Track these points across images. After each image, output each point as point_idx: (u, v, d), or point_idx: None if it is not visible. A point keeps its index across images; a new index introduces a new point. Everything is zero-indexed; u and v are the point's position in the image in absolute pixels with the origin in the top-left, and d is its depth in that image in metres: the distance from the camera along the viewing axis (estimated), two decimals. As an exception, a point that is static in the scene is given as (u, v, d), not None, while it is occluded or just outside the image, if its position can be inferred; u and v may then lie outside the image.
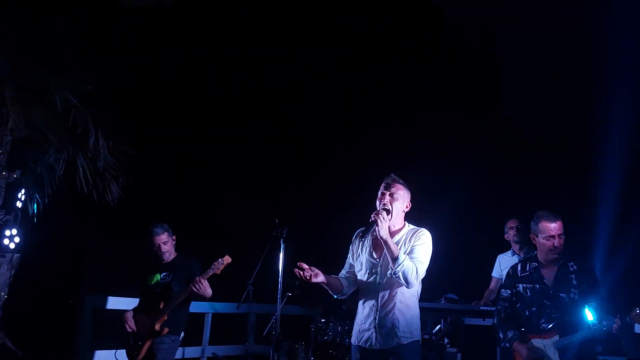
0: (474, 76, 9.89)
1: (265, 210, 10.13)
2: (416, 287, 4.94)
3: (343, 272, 5.21)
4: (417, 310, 4.97)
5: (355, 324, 5.05)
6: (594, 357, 5.41)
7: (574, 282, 5.20)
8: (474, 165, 10.61)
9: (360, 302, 5.03)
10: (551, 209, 5.47)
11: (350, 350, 8.23)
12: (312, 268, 4.86)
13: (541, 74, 9.43)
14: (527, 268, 5.46)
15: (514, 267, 5.61)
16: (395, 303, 4.83)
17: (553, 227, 5.30)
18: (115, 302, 8.18)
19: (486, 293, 8.09)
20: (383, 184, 5.01)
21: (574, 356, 5.09)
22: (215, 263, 6.58)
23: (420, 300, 7.64)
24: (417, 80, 10.38)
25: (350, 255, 5.20)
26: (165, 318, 6.57)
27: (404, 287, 4.81)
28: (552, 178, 10.19)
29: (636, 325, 7.42)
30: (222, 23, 10.05)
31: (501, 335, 5.49)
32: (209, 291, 6.61)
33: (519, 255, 7.90)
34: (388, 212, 4.83)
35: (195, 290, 6.51)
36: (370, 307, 4.91)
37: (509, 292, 5.53)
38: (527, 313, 5.38)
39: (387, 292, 4.85)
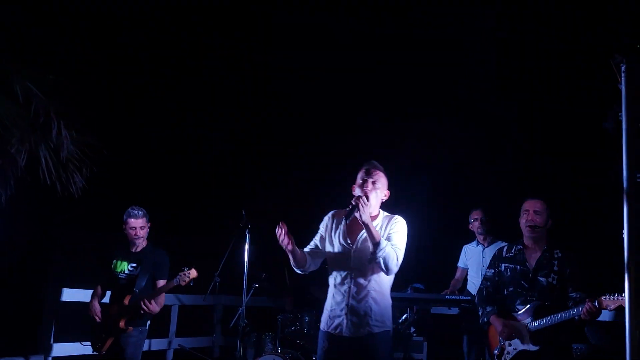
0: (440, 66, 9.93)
1: (232, 202, 10.10)
2: (390, 276, 4.84)
3: (306, 249, 5.04)
4: (390, 300, 4.88)
5: (325, 309, 4.92)
6: (568, 346, 5.41)
7: (555, 268, 5.25)
8: (438, 155, 10.66)
9: (332, 287, 4.90)
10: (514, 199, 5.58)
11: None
12: (290, 235, 4.71)
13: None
14: (513, 250, 5.51)
15: (500, 249, 5.66)
16: (369, 291, 4.73)
17: (528, 203, 5.40)
18: (79, 294, 8.10)
19: (452, 283, 8.16)
20: (363, 170, 4.89)
21: (547, 337, 5.13)
22: (181, 274, 6.45)
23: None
24: (381, 69, 10.39)
25: (318, 235, 5.06)
26: (131, 317, 6.49)
27: (378, 274, 4.74)
28: (517, 168, 10.29)
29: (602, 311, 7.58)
30: (186, 13, 9.97)
31: (480, 312, 5.55)
32: (156, 310, 6.52)
33: (483, 245, 7.99)
34: (368, 199, 4.71)
35: (147, 311, 6.43)
36: (343, 294, 4.78)
37: (493, 271, 5.57)
38: (505, 293, 5.44)
39: (361, 279, 4.74)
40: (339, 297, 4.82)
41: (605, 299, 4.81)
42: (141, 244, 6.80)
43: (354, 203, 4.65)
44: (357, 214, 4.63)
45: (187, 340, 9.34)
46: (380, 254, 4.57)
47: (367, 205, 4.63)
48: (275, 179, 11.70)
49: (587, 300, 4.91)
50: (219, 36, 10.30)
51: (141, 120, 11.24)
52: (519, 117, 10.02)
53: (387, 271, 4.66)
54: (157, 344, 8.98)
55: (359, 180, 4.88)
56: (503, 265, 5.50)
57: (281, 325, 8.13)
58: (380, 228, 4.82)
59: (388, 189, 4.97)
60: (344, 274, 4.84)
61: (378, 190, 4.84)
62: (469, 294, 7.87)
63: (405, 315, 8.14)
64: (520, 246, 5.48)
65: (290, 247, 4.76)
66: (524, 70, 9.45)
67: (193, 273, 6.46)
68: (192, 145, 11.73)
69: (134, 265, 6.70)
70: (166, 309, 9.24)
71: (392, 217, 4.92)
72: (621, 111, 4.59)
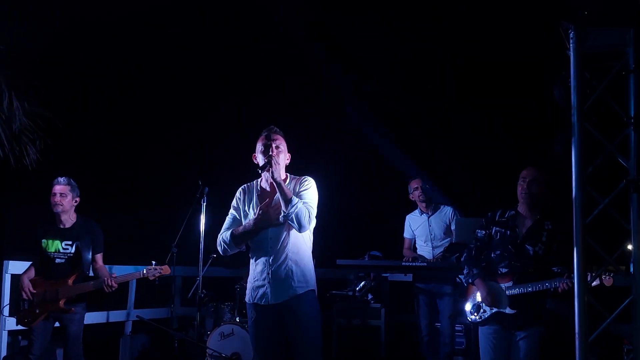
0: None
1: (188, 172, 10.06)
2: (308, 236, 4.97)
3: (226, 229, 5.09)
4: (311, 260, 5.00)
5: (248, 282, 5.02)
6: (542, 313, 5.49)
7: (544, 239, 5.35)
8: (397, 118, 10.73)
9: (252, 260, 4.99)
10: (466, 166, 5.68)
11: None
12: None
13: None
14: (506, 215, 5.58)
15: (493, 212, 5.70)
16: (287, 254, 4.83)
17: (525, 172, 5.49)
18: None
19: (406, 254, 8.26)
20: (264, 136, 4.97)
21: (524, 303, 5.25)
22: (150, 268, 6.52)
23: (344, 258, 7.85)
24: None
25: (234, 211, 5.12)
26: (73, 297, 6.40)
27: (294, 237, 4.85)
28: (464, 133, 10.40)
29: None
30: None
31: (466, 271, 5.62)
32: (114, 289, 6.48)
33: (428, 214, 8.09)
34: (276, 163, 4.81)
35: (106, 291, 6.42)
36: (263, 263, 4.87)
37: (484, 232, 5.64)
38: (491, 255, 5.53)
39: (278, 245, 4.84)
40: (259, 267, 4.92)
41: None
42: (69, 218, 6.63)
43: (266, 160, 4.78)
44: (268, 174, 4.79)
45: (145, 311, 9.31)
46: (292, 210, 4.68)
47: (278, 164, 4.79)
48: (232, 148, 11.67)
49: (565, 275, 5.04)
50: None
51: (94, 89, 11.10)
52: (468, 87, 10.12)
53: (300, 228, 4.76)
54: (116, 316, 8.95)
55: (260, 147, 4.96)
56: (494, 228, 5.57)
57: (239, 295, 8.16)
58: (290, 189, 4.89)
59: (289, 152, 5.07)
60: (261, 243, 4.93)
61: (282, 154, 4.95)
62: (425, 259, 7.99)
63: (362, 283, 8.22)
64: (513, 212, 5.56)
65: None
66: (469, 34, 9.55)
67: (166, 270, 6.57)
68: (148, 115, 11.63)
69: (69, 243, 6.56)
70: (124, 280, 9.24)
71: (301, 177, 5.04)
72: (570, 77, 4.66)
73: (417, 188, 8.09)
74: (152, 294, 9.79)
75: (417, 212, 8.23)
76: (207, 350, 7.65)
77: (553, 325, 6.84)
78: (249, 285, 5.01)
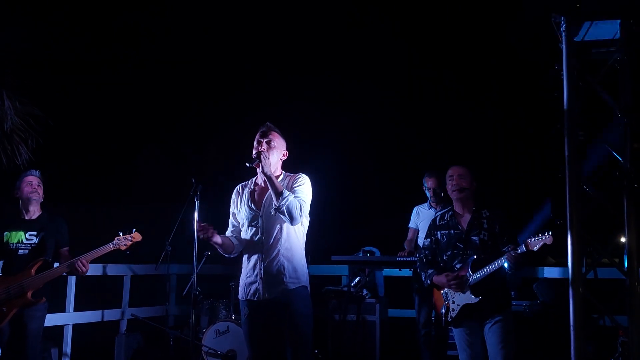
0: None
1: (182, 170, 10.04)
2: (301, 233, 5.04)
3: (228, 232, 5.23)
4: (303, 257, 5.05)
5: (241, 279, 5.08)
6: (506, 294, 5.64)
7: (485, 225, 5.56)
8: (391, 117, 10.74)
9: (245, 257, 5.07)
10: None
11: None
12: (212, 228, 4.90)
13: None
14: (445, 217, 5.80)
15: (433, 219, 5.95)
16: (279, 250, 4.89)
17: (451, 171, 5.73)
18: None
19: (406, 244, 8.25)
20: (259, 133, 5.06)
21: (485, 288, 5.41)
22: (118, 238, 6.18)
23: (339, 254, 7.84)
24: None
25: (232, 215, 5.23)
26: (40, 287, 6.04)
27: (286, 233, 4.92)
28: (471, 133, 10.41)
29: (546, 269, 7.88)
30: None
31: (423, 277, 5.82)
32: (86, 270, 6.10)
33: (436, 210, 8.08)
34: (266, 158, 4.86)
35: (80, 272, 6.07)
36: (256, 259, 4.94)
37: (430, 240, 5.85)
38: (444, 257, 5.71)
39: (270, 241, 4.91)
40: (252, 264, 4.99)
41: (530, 241, 5.16)
42: (37, 211, 6.36)
43: (255, 155, 4.88)
44: (258, 169, 4.85)
45: (140, 310, 9.30)
46: (283, 203, 4.74)
47: (267, 158, 4.83)
48: (226, 146, 11.68)
49: (510, 248, 5.29)
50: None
51: (85, 88, 11.07)
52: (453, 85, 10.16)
53: (292, 220, 4.82)
54: (110, 315, 8.93)
55: (255, 143, 5.05)
56: (439, 232, 5.79)
57: (234, 292, 8.16)
58: (283, 186, 4.95)
59: (287, 150, 5.14)
60: (254, 239, 5.00)
61: (274, 150, 5.01)
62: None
63: (358, 278, 8.23)
64: (451, 212, 5.79)
65: (218, 240, 4.95)
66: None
67: (137, 236, 6.27)
68: (141, 113, 11.60)
69: (33, 233, 6.25)
70: (119, 279, 9.20)
71: (295, 175, 5.11)
72: (562, 70, 4.67)
73: (429, 188, 8.08)
74: (147, 293, 9.79)
75: (426, 205, 8.23)
76: (203, 348, 7.65)
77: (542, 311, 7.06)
78: (241, 282, 5.06)
